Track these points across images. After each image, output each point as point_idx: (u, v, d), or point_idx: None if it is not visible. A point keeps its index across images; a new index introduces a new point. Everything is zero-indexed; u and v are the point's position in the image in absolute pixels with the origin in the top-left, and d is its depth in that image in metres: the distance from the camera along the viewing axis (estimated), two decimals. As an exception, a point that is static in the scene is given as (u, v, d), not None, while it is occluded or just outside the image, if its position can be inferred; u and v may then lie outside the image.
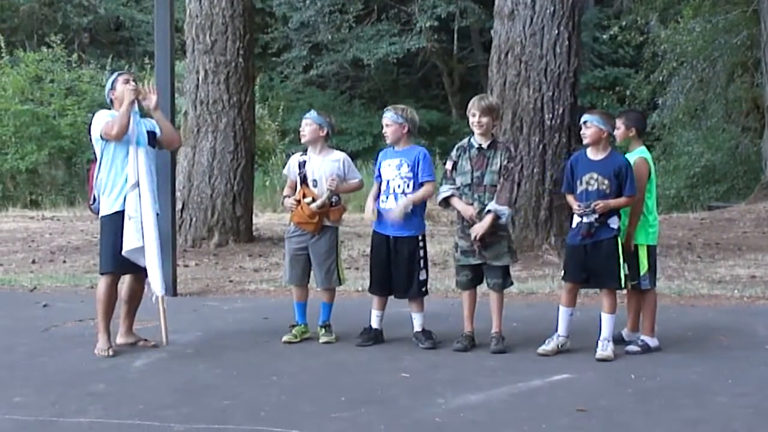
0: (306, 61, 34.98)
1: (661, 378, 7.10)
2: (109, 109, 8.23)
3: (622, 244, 7.81)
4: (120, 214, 7.88)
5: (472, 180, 8.04)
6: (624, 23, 28.81)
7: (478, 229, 7.92)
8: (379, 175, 8.35)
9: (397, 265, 8.22)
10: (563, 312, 7.94)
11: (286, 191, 8.64)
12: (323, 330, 8.44)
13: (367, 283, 10.44)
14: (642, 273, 7.98)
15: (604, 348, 7.69)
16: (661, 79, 28.28)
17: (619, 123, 8.13)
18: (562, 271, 8.19)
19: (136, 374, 7.35)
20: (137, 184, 7.84)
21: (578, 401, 6.41)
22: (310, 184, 8.36)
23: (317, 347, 8.21)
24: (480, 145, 8.08)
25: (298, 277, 8.48)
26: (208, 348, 8.23)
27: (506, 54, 13.21)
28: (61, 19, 35.31)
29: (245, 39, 15.21)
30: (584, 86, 30.69)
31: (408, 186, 8.15)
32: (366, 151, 31.45)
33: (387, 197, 8.23)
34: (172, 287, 10.86)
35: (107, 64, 30.02)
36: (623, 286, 7.84)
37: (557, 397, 6.62)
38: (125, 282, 8.23)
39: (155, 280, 8.00)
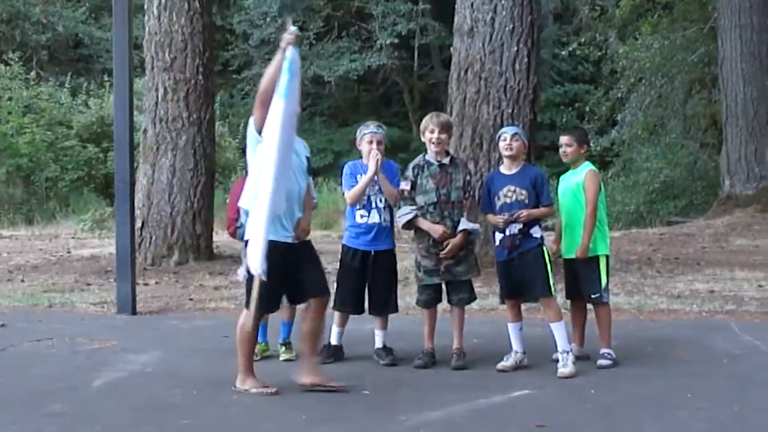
0: (267, 79, 34.91)
1: (621, 392, 7.13)
2: None
3: (548, 253, 7.94)
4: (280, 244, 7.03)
5: (438, 198, 8.03)
6: (583, 40, 29.09)
7: (453, 246, 7.94)
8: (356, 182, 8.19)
9: (376, 282, 8.21)
10: (512, 328, 8.00)
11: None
12: (284, 348, 8.41)
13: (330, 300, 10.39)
14: (603, 285, 8.06)
15: (565, 364, 7.70)
16: (620, 95, 28.54)
17: (570, 140, 8.22)
18: (498, 289, 8.23)
19: (95, 394, 7.27)
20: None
21: (538, 417, 6.41)
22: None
23: (278, 365, 8.17)
24: (440, 161, 8.10)
25: (260, 296, 8.43)
26: (168, 367, 8.16)
27: (466, 71, 13.26)
28: (19, 37, 35.11)
29: (205, 56, 15.17)
30: (544, 103, 30.87)
31: (381, 199, 8.18)
32: (326, 168, 31.48)
33: (369, 212, 8.21)
34: (131, 306, 10.81)
35: (66, 82, 29.91)
36: (553, 293, 7.90)
37: (518, 413, 6.62)
38: (303, 317, 7.45)
39: (252, 256, 6.70)
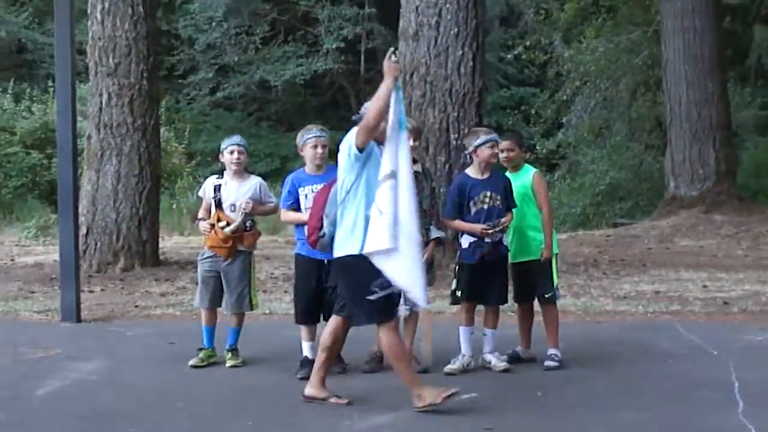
0: (212, 83, 34.77)
1: (568, 395, 7.16)
2: None
3: (509, 261, 8.05)
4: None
5: (421, 208, 7.91)
6: (528, 43, 29.19)
7: (430, 255, 7.93)
8: (297, 200, 8.00)
9: (332, 290, 7.67)
10: (463, 332, 8.01)
11: (202, 213, 8.51)
12: (230, 354, 8.34)
13: (276, 306, 10.38)
14: (555, 284, 8.16)
15: (500, 358, 7.93)
16: (565, 98, 28.71)
17: (511, 145, 8.19)
18: (459, 292, 8.10)
19: (39, 403, 7.19)
20: (394, 175, 6.65)
21: (485, 420, 6.41)
22: (227, 208, 8.23)
23: (224, 371, 8.12)
24: (415, 170, 7.93)
25: (209, 300, 8.35)
26: (113, 374, 8.09)
27: (411, 75, 13.27)
28: (-40, 42, 34.69)
29: (149, 61, 15.07)
30: (491, 106, 31.00)
31: None
32: (273, 173, 31.28)
33: None
34: (76, 314, 10.69)
35: (9, 87, 29.54)
36: (507, 301, 8.08)
37: (465, 416, 6.61)
38: (329, 326, 7.23)
39: (417, 291, 6.61)
